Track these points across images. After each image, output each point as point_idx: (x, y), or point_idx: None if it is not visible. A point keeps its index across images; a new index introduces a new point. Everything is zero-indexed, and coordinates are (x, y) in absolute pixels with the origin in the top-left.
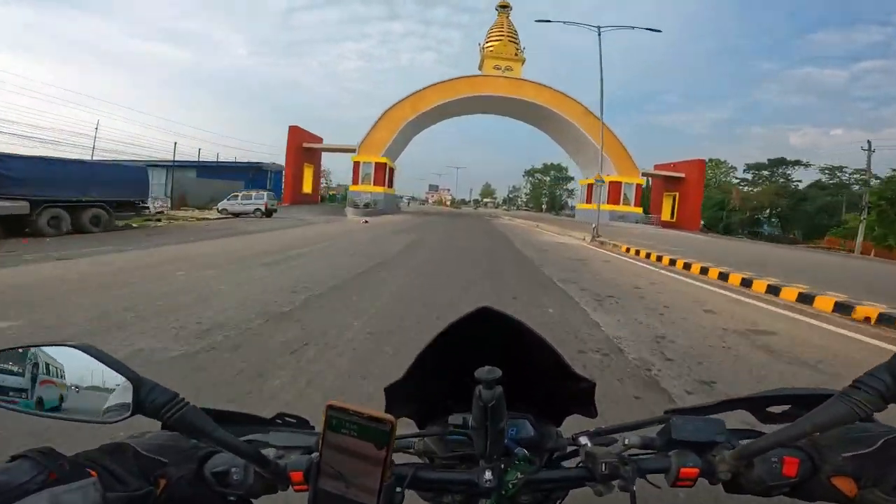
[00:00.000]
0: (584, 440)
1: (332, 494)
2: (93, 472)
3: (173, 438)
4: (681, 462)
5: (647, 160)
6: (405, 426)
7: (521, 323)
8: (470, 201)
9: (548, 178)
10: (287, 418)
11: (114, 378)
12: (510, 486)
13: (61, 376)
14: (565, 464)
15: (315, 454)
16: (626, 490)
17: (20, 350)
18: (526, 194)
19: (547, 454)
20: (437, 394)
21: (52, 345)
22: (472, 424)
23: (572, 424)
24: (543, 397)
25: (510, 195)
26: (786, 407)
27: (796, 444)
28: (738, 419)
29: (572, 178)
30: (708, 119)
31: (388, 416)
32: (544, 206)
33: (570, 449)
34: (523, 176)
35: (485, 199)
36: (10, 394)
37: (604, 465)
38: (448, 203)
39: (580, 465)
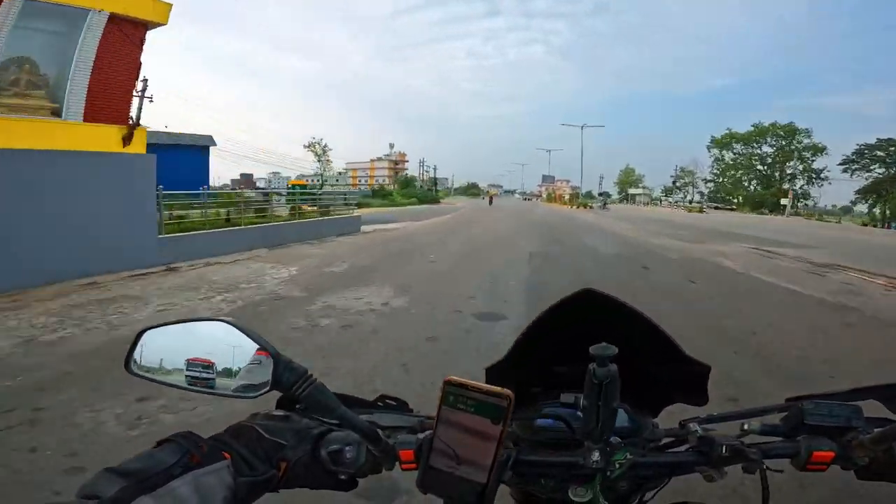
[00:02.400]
0: (693, 426)
1: (442, 472)
2: (226, 455)
3: (288, 419)
4: (813, 446)
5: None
6: None
7: (628, 304)
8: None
9: (766, 148)
10: (388, 400)
11: (255, 354)
12: (616, 466)
13: (210, 350)
14: (673, 449)
15: (424, 433)
16: (751, 472)
17: (172, 324)
18: (712, 179)
19: (644, 444)
20: (534, 378)
21: (203, 320)
22: (583, 403)
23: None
24: (643, 385)
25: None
26: None
27: None
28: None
29: (824, 149)
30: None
31: (507, 391)
32: (737, 202)
33: (665, 440)
34: (709, 148)
35: (630, 191)
36: (162, 368)
37: (724, 447)
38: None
39: (690, 449)
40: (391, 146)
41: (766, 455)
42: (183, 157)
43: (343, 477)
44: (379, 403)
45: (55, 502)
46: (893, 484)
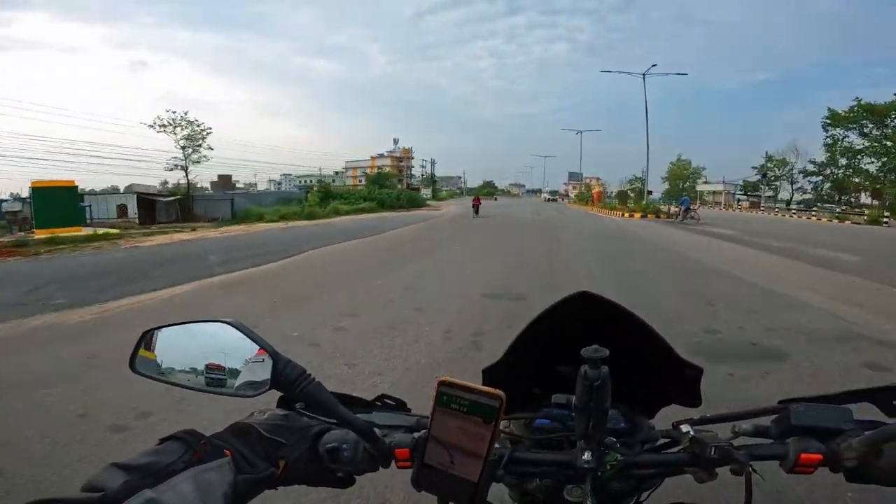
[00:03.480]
0: (685, 428)
1: (435, 470)
2: (227, 452)
3: (287, 418)
4: (801, 448)
5: None
6: None
7: (623, 307)
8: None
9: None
10: (387, 400)
11: (255, 354)
12: (608, 467)
13: (211, 351)
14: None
15: (420, 432)
16: (739, 474)
17: (174, 325)
18: (821, 171)
19: (638, 445)
20: (529, 379)
21: (205, 321)
22: (575, 404)
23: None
24: (638, 387)
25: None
26: None
27: None
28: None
29: None
30: None
31: (498, 392)
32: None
33: (660, 441)
34: (825, 126)
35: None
36: (164, 368)
37: (713, 449)
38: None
39: (682, 450)
40: (395, 141)
41: (754, 457)
42: None
43: (340, 474)
44: (377, 403)
45: (62, 496)
46: (882, 487)
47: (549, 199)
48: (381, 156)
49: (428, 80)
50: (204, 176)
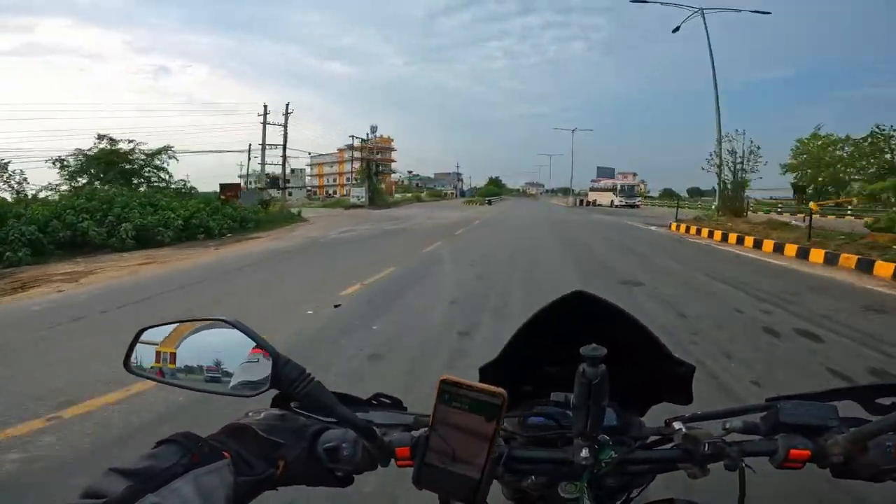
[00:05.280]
0: (678, 425)
1: (437, 468)
2: (226, 454)
3: (284, 418)
4: (790, 444)
5: None
6: None
7: (617, 307)
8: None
9: None
10: (383, 399)
11: (253, 352)
12: (603, 464)
13: (208, 349)
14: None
15: (420, 430)
16: (732, 469)
17: (171, 323)
18: None
19: (631, 442)
20: (523, 377)
21: (203, 319)
22: (573, 402)
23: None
24: (630, 385)
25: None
26: (895, 398)
27: None
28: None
29: None
30: None
31: (500, 390)
32: None
33: (652, 438)
34: None
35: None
36: (160, 367)
37: (706, 445)
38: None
39: (675, 447)
40: (372, 129)
41: (745, 453)
42: None
43: (339, 474)
44: (374, 402)
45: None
46: (869, 482)
47: (622, 203)
48: (350, 147)
49: (438, 80)
50: None
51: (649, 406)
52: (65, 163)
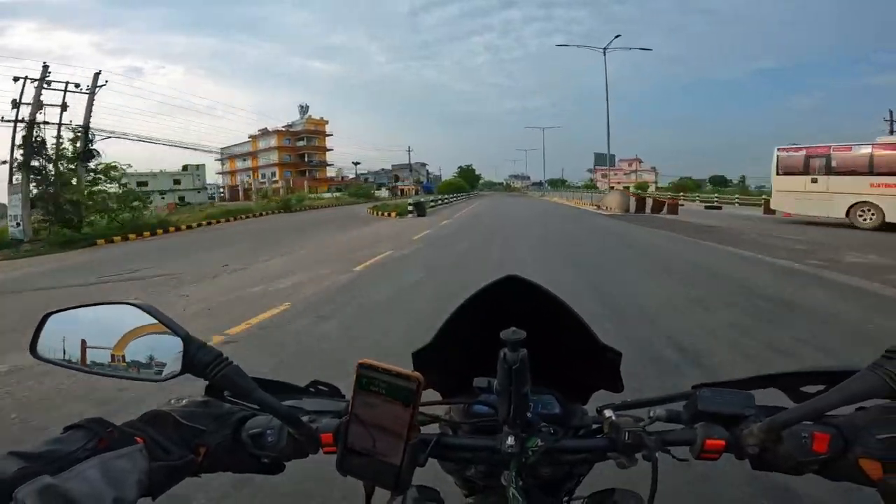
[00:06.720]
0: (608, 413)
1: (358, 453)
2: (139, 439)
3: (208, 405)
4: (706, 434)
5: None
6: (430, 398)
7: (548, 291)
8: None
9: None
10: (320, 386)
11: (165, 337)
12: (530, 452)
13: (118, 334)
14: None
15: (345, 416)
16: (649, 460)
17: (78, 308)
18: None
19: (572, 431)
20: (461, 363)
21: (110, 303)
22: (496, 388)
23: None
24: (570, 374)
25: None
26: (821, 386)
27: (829, 421)
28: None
29: None
30: None
31: (415, 374)
32: None
33: (595, 426)
34: None
35: None
36: (67, 353)
37: (627, 434)
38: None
39: (604, 436)
40: (303, 109)
41: (666, 442)
42: None
43: (266, 461)
44: (311, 389)
45: None
46: (788, 475)
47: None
48: (265, 131)
49: (425, 76)
50: None
51: (590, 394)
52: None
